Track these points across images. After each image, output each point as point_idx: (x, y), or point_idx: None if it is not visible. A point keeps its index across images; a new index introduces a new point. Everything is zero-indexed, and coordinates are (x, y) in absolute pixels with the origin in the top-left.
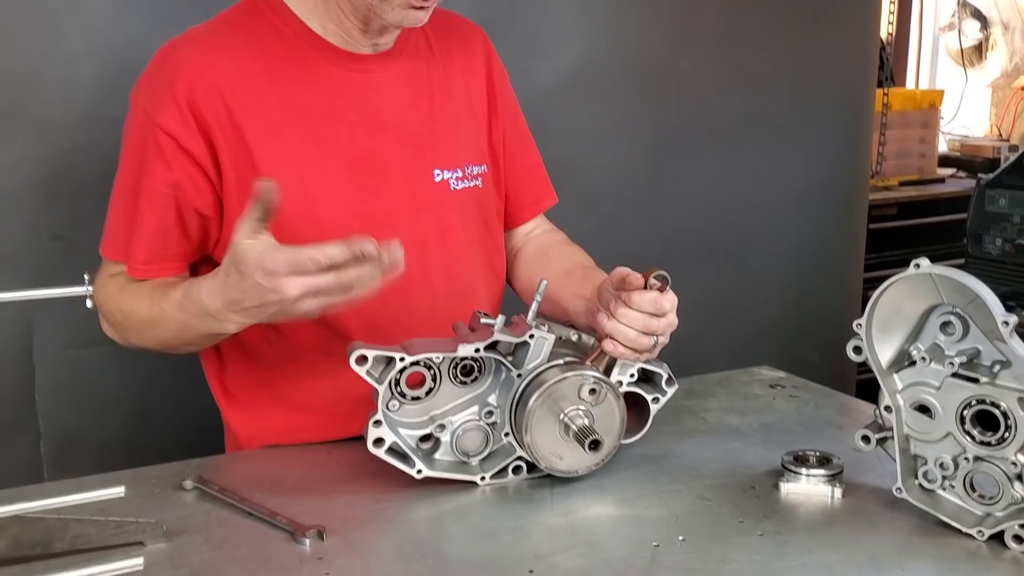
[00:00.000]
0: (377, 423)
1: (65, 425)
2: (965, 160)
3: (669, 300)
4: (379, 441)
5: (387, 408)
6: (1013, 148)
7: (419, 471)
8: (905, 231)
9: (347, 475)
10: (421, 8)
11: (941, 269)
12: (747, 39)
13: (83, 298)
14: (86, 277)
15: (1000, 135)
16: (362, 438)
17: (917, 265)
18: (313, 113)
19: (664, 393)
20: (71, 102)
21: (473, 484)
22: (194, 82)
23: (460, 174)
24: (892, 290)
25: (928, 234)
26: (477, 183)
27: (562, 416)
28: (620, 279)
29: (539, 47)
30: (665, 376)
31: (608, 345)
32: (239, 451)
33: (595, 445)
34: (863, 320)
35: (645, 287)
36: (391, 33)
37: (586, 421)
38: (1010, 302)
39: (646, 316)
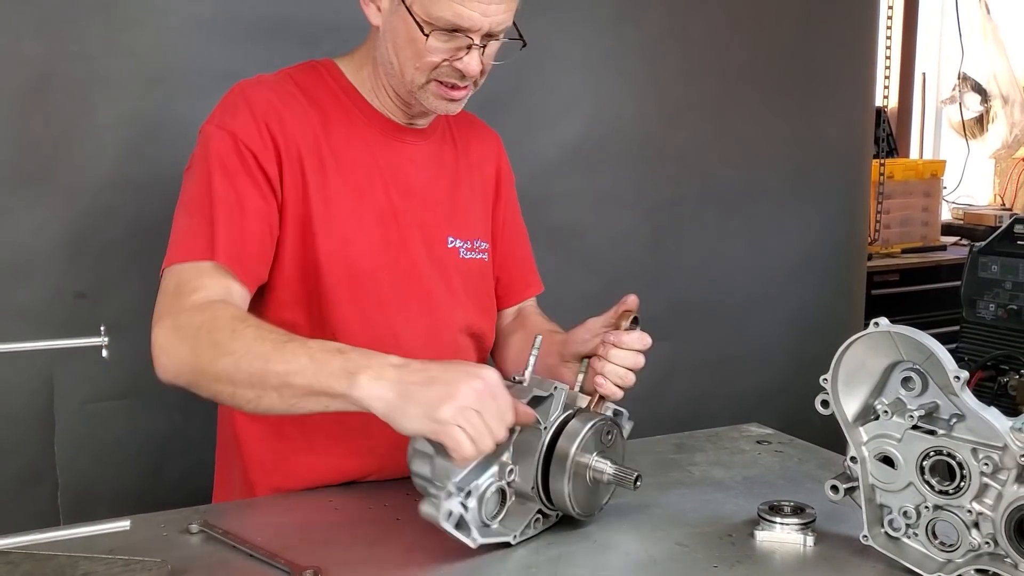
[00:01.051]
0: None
1: (82, 476)
2: (968, 228)
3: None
4: (450, 514)
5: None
6: (1014, 216)
7: (474, 539)
8: (907, 297)
9: (345, 521)
10: (453, 99)
11: (898, 328)
12: (744, 110)
13: (99, 348)
14: (102, 329)
15: (1003, 204)
16: (358, 484)
17: (876, 324)
18: (356, 168)
19: (624, 429)
20: (97, 167)
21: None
22: (270, 113)
23: (470, 245)
24: (855, 347)
25: (930, 300)
26: (483, 257)
27: (593, 462)
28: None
29: (543, 119)
30: (626, 414)
31: (604, 386)
32: (244, 499)
33: (639, 480)
34: (829, 375)
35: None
36: (428, 116)
37: (617, 463)
38: (1003, 365)
39: (635, 353)
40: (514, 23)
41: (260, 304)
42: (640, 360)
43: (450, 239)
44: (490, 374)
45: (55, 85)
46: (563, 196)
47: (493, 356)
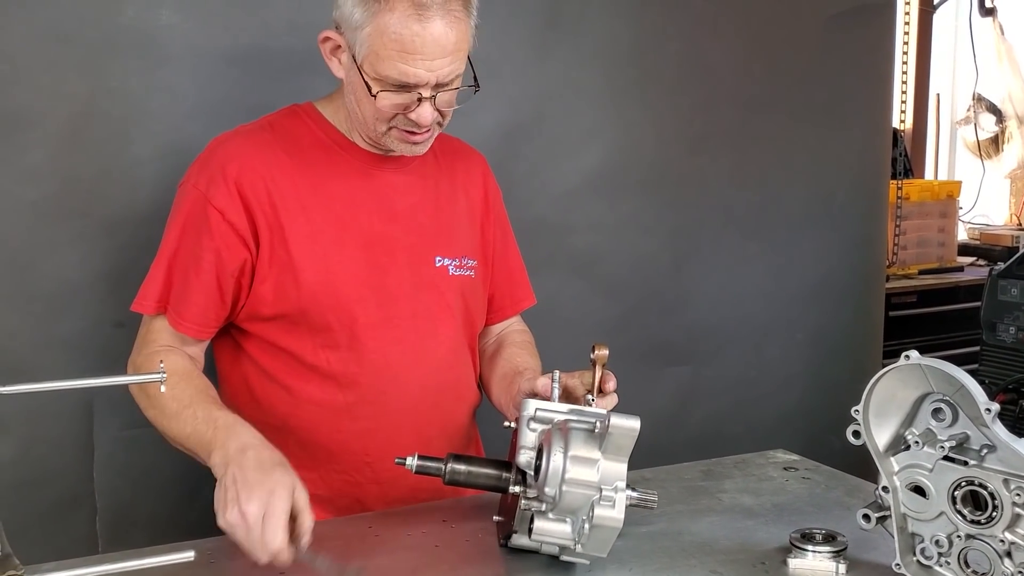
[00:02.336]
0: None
1: (120, 501)
2: (984, 249)
3: None
4: None
5: None
6: None
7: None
8: (925, 318)
9: (384, 548)
10: (417, 142)
11: (929, 360)
12: (762, 136)
13: (157, 384)
14: (161, 364)
15: (1020, 224)
16: (394, 510)
17: (907, 356)
18: (338, 200)
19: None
20: (135, 201)
21: (497, 559)
22: (242, 167)
23: (457, 263)
24: (886, 379)
25: (947, 321)
26: (471, 274)
27: None
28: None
29: (565, 147)
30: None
31: None
32: None
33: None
34: (860, 407)
35: (593, 365)
36: None
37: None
38: None
39: (613, 395)
40: (470, 62)
41: (261, 336)
42: (616, 399)
43: (438, 258)
44: (277, 492)
45: (96, 121)
46: (584, 223)
47: (481, 377)
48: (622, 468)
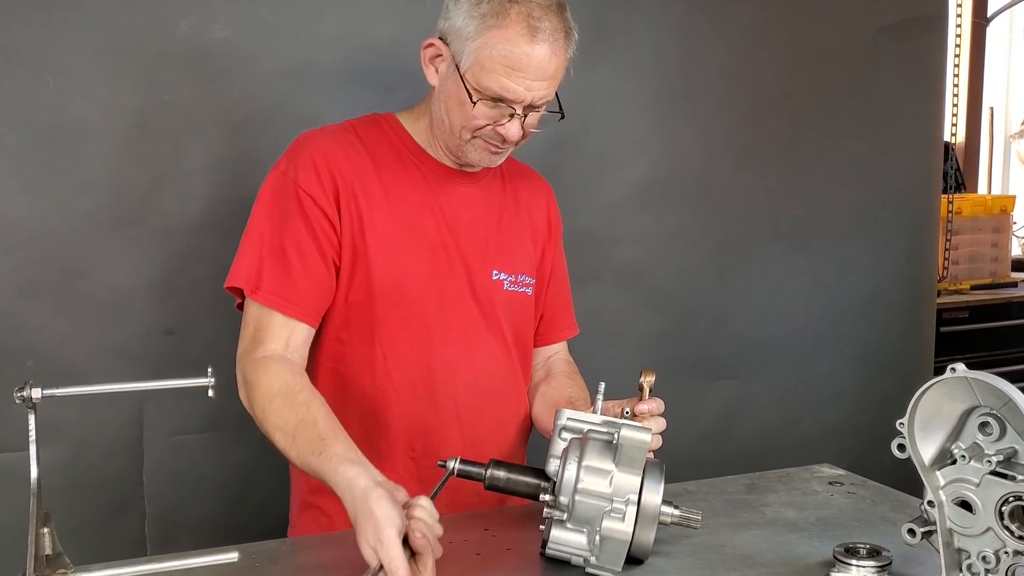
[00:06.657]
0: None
1: (168, 506)
2: None
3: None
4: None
5: None
6: None
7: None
8: (977, 334)
9: None
10: (496, 152)
11: (976, 373)
12: (810, 149)
13: (204, 388)
14: (210, 370)
15: None
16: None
17: (953, 369)
18: (407, 204)
19: None
20: (187, 211)
21: (536, 569)
22: (329, 156)
23: (514, 279)
24: (931, 392)
25: (1001, 337)
26: (527, 291)
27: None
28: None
29: (611, 160)
30: None
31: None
32: (327, 532)
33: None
34: (905, 420)
35: (641, 390)
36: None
37: (676, 505)
38: None
39: (660, 418)
40: (556, 95)
41: (326, 329)
42: (663, 422)
43: (495, 272)
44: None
45: (149, 133)
46: (630, 235)
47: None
48: (636, 481)
